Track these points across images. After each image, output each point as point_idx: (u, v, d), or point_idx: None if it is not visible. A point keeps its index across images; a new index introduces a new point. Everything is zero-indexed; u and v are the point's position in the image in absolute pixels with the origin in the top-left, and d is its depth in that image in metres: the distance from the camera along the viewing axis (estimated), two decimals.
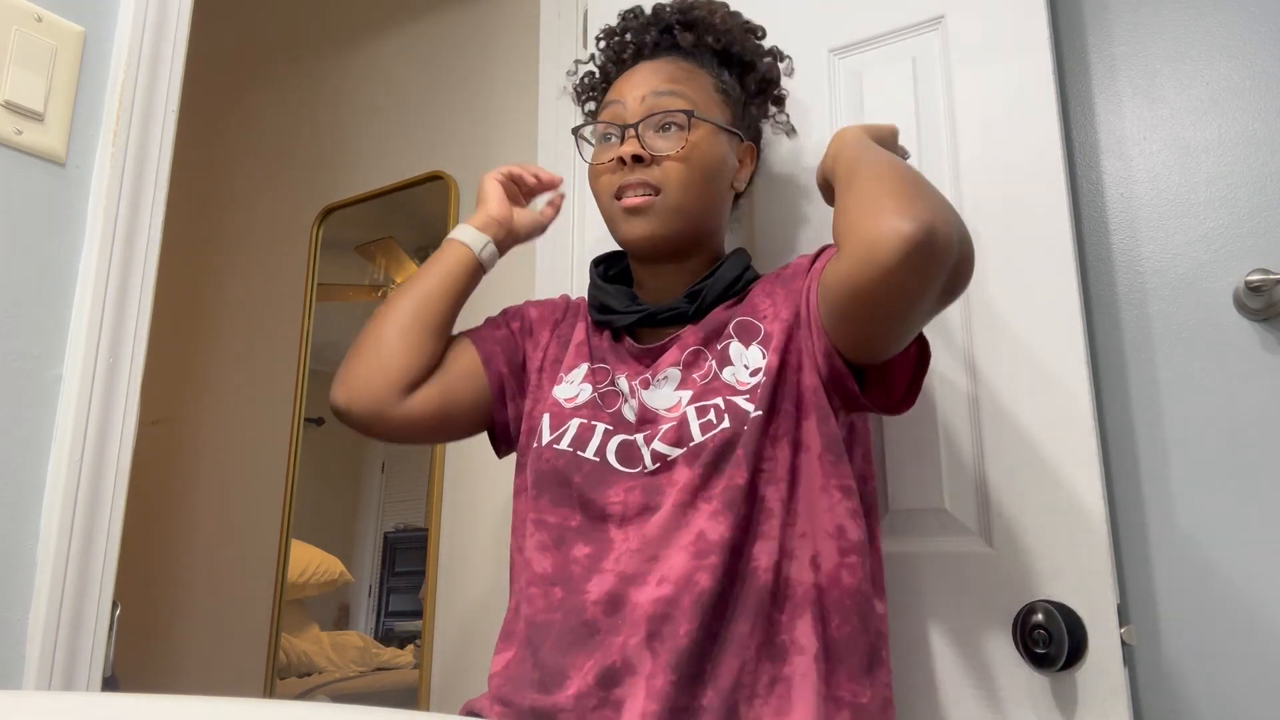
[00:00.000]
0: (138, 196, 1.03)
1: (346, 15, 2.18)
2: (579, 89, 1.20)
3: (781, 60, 1.15)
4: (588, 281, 1.10)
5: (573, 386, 1.02)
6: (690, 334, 0.99)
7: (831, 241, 0.93)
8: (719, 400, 0.92)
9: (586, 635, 0.87)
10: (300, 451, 1.95)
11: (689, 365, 0.97)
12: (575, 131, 1.09)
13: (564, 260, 1.49)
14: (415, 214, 1.95)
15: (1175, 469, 1.13)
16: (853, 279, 0.83)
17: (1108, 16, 1.27)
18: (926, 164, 1.18)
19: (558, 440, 0.97)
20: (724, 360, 0.95)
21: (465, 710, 0.97)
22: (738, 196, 1.11)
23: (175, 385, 2.16)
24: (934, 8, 1.22)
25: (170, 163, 1.08)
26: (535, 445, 0.99)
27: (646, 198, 0.99)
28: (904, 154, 1.09)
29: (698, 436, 0.90)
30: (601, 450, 0.95)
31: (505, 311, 1.13)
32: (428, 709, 1.63)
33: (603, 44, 1.16)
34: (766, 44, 1.15)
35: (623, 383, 0.99)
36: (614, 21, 1.15)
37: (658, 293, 1.05)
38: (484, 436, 1.12)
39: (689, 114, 1.00)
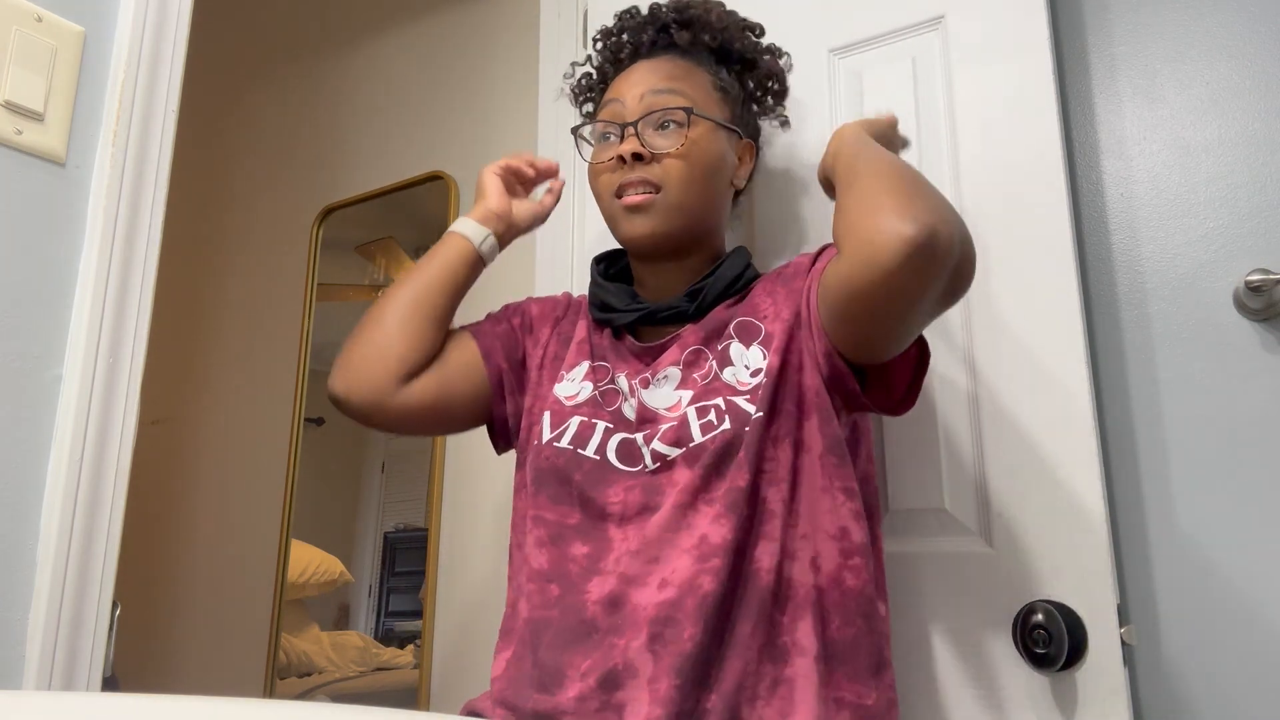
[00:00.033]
0: (138, 196, 1.03)
1: (346, 15, 2.18)
2: (576, 90, 1.20)
3: (780, 57, 1.15)
4: (588, 280, 1.10)
5: (573, 384, 1.02)
6: (691, 333, 0.99)
7: (832, 240, 0.93)
8: (719, 400, 0.92)
9: (585, 634, 0.87)
10: (300, 451, 1.95)
11: (689, 365, 0.97)
12: (575, 131, 1.09)
13: (564, 259, 1.49)
14: (415, 214, 1.95)
15: (1175, 469, 1.13)
16: (853, 281, 0.83)
17: (1108, 16, 1.27)
18: (926, 164, 1.18)
19: (558, 438, 0.97)
20: (724, 360, 0.95)
21: (466, 710, 0.97)
22: (738, 194, 1.11)
23: (175, 385, 2.16)
24: (934, 8, 1.22)
25: (170, 163, 1.08)
26: (535, 443, 0.99)
27: (647, 195, 0.99)
28: (904, 142, 1.09)
29: (698, 437, 0.90)
30: (602, 448, 0.95)
31: (506, 307, 1.13)
32: (428, 709, 1.63)
33: (599, 45, 1.16)
34: (765, 42, 1.15)
35: (622, 381, 0.99)
36: (612, 22, 1.15)
37: (658, 291, 1.04)
38: (484, 436, 1.12)
39: (688, 111, 1.00)
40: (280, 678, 1.86)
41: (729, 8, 1.13)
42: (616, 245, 1.09)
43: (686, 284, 1.02)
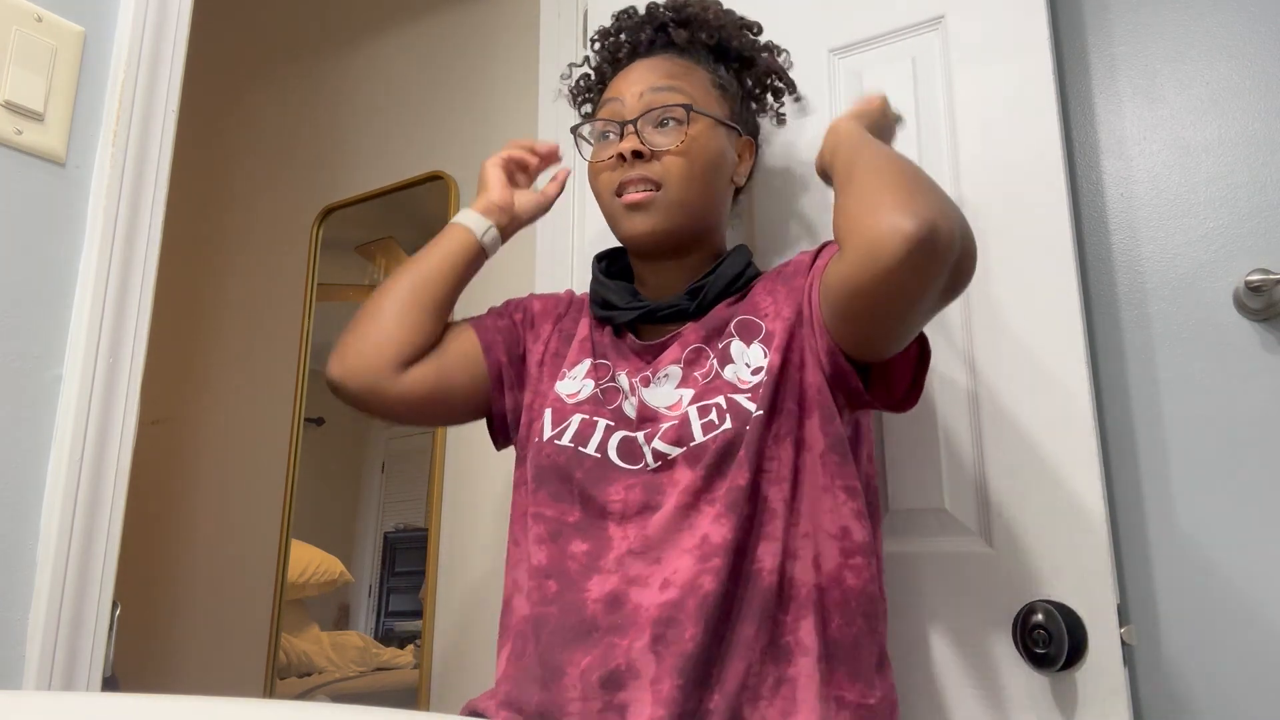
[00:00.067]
0: (138, 196, 1.04)
1: (346, 15, 2.18)
2: (575, 91, 1.20)
3: (778, 54, 1.15)
4: (589, 278, 1.10)
5: (575, 382, 1.02)
6: (691, 331, 0.99)
7: (833, 237, 0.93)
8: (720, 399, 0.92)
9: (585, 632, 0.87)
10: (300, 451, 1.95)
11: (690, 363, 0.97)
12: (574, 130, 1.09)
13: (564, 259, 1.49)
14: (415, 214, 1.95)
15: (1175, 469, 1.13)
16: (854, 278, 0.83)
17: (1108, 16, 1.27)
18: (926, 164, 1.18)
19: (559, 436, 0.97)
20: (725, 358, 0.95)
21: (467, 710, 0.97)
22: (738, 192, 1.11)
23: (175, 385, 2.16)
24: (934, 8, 1.22)
25: (170, 163, 1.08)
26: (536, 440, 0.99)
27: (647, 193, 0.99)
28: (898, 118, 1.08)
29: (699, 437, 0.90)
30: (603, 446, 0.95)
31: (508, 303, 1.13)
32: (428, 709, 1.63)
33: (597, 45, 1.16)
34: (762, 40, 1.15)
35: (623, 379, 0.99)
36: (610, 23, 1.15)
37: (659, 290, 1.04)
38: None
39: (687, 108, 1.00)
40: (280, 678, 1.86)
41: (727, 7, 1.13)
42: (616, 244, 1.09)
43: (687, 282, 1.02)
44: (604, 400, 0.99)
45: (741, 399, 0.91)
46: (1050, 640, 0.99)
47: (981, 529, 1.09)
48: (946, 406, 1.13)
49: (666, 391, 0.96)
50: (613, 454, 0.94)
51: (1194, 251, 1.17)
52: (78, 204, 1.00)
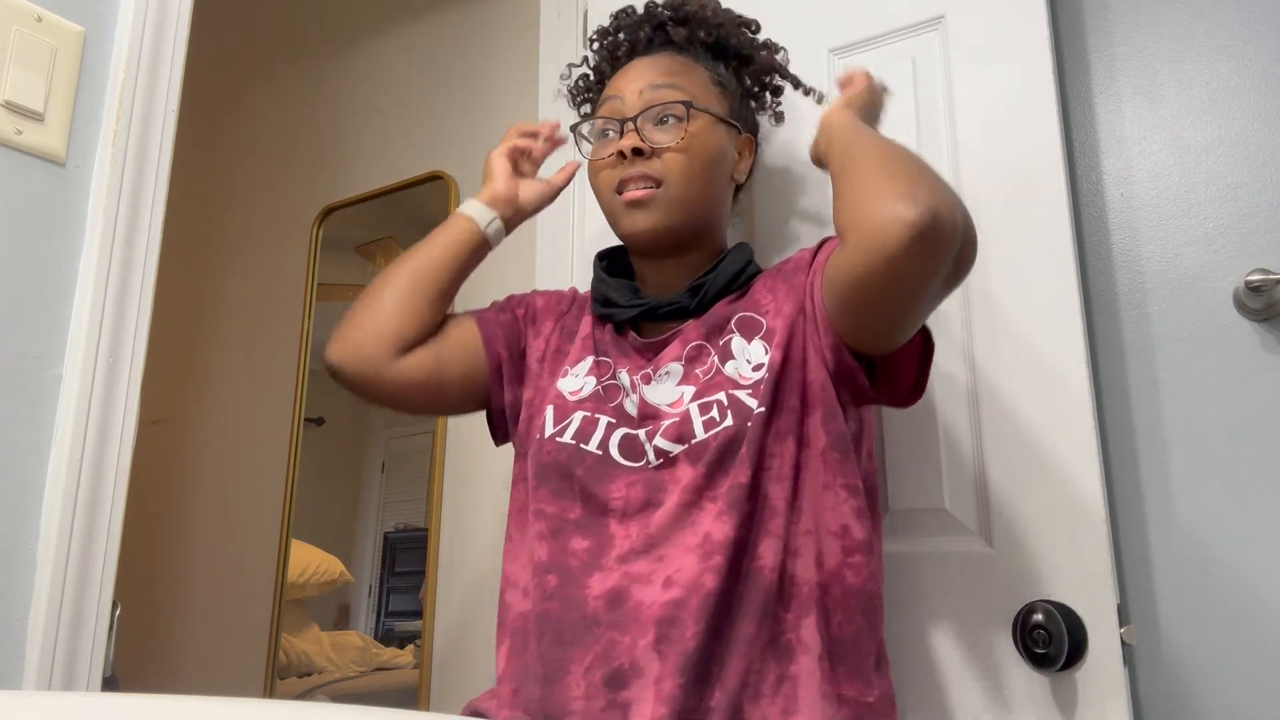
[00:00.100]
0: (138, 196, 1.03)
1: (346, 15, 2.18)
2: (574, 90, 1.20)
3: (776, 52, 1.15)
4: (590, 277, 1.10)
5: (577, 380, 1.02)
6: (692, 328, 0.99)
7: (832, 235, 0.93)
8: (722, 395, 0.92)
9: (585, 629, 0.87)
10: (300, 451, 1.95)
11: (691, 360, 0.97)
12: (574, 128, 1.09)
13: (564, 259, 1.49)
14: (415, 214, 1.95)
15: (1175, 469, 1.13)
16: (857, 269, 0.82)
17: (1108, 16, 1.27)
18: None
19: (561, 433, 0.97)
20: (726, 355, 0.95)
21: (468, 710, 0.97)
22: (738, 190, 1.11)
23: (175, 385, 2.16)
24: (934, 8, 1.22)
25: (170, 163, 1.08)
26: (538, 437, 0.99)
27: (648, 190, 0.98)
28: (884, 89, 1.08)
29: (700, 434, 0.90)
30: (604, 444, 0.95)
31: (511, 298, 1.13)
32: (428, 709, 1.63)
33: (596, 45, 1.16)
34: (761, 38, 1.15)
35: (624, 377, 0.99)
36: (608, 23, 1.15)
37: (660, 288, 1.04)
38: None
39: (687, 105, 1.00)
40: (280, 678, 1.86)
41: (725, 6, 1.13)
42: (617, 243, 1.09)
43: (688, 280, 1.02)
44: (605, 398, 0.99)
45: (743, 395, 0.91)
46: (1050, 640, 0.99)
47: (981, 529, 1.09)
48: (947, 406, 1.13)
49: (668, 389, 0.96)
50: (614, 451, 0.94)
51: (1194, 251, 1.17)
52: (78, 204, 1.00)
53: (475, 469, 1.70)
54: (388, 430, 1.95)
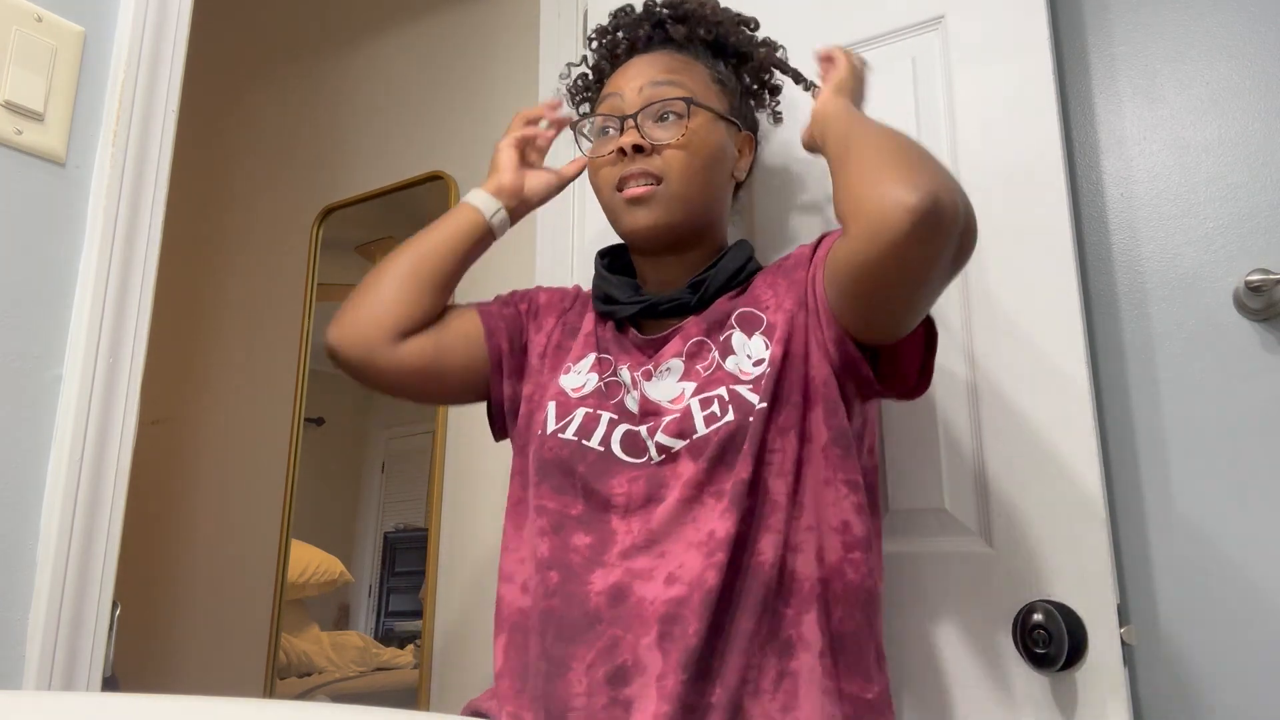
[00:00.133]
0: (138, 196, 1.04)
1: (346, 15, 2.18)
2: (573, 89, 1.20)
3: (776, 50, 1.15)
4: (590, 277, 1.10)
5: (580, 376, 1.02)
6: (693, 325, 0.99)
7: (831, 230, 0.92)
8: (722, 390, 0.92)
9: (587, 625, 0.87)
10: (300, 451, 1.95)
11: (692, 356, 0.97)
12: (574, 126, 1.09)
13: (564, 258, 1.49)
14: (415, 214, 1.95)
15: (1175, 469, 1.13)
16: (861, 256, 0.82)
17: (1108, 16, 1.27)
18: None
19: (563, 429, 0.97)
20: (727, 350, 0.95)
21: (468, 710, 0.97)
22: (738, 188, 1.11)
23: (175, 385, 2.16)
24: (934, 8, 1.22)
25: (170, 163, 1.08)
26: (539, 433, 0.99)
27: (649, 187, 0.98)
28: (862, 62, 1.08)
29: (701, 429, 0.90)
30: (606, 440, 0.95)
31: (514, 293, 1.14)
32: (428, 709, 1.63)
33: (594, 44, 1.16)
34: (759, 36, 1.15)
35: (625, 374, 0.99)
36: (608, 21, 1.15)
37: (660, 286, 1.05)
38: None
39: (688, 101, 1.00)
40: (280, 678, 1.86)
41: (725, 5, 1.13)
42: (618, 241, 1.09)
43: (688, 278, 1.02)
44: (607, 394, 0.99)
45: (744, 390, 0.91)
46: (1050, 640, 0.99)
47: (981, 529, 1.09)
48: (947, 406, 1.13)
49: (668, 385, 0.96)
50: (616, 448, 0.94)
51: (1194, 251, 1.17)
52: (78, 204, 1.00)
53: (475, 469, 1.70)
54: (388, 430, 1.95)
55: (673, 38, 1.08)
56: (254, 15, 2.35)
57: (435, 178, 1.88)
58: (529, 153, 1.13)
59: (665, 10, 1.10)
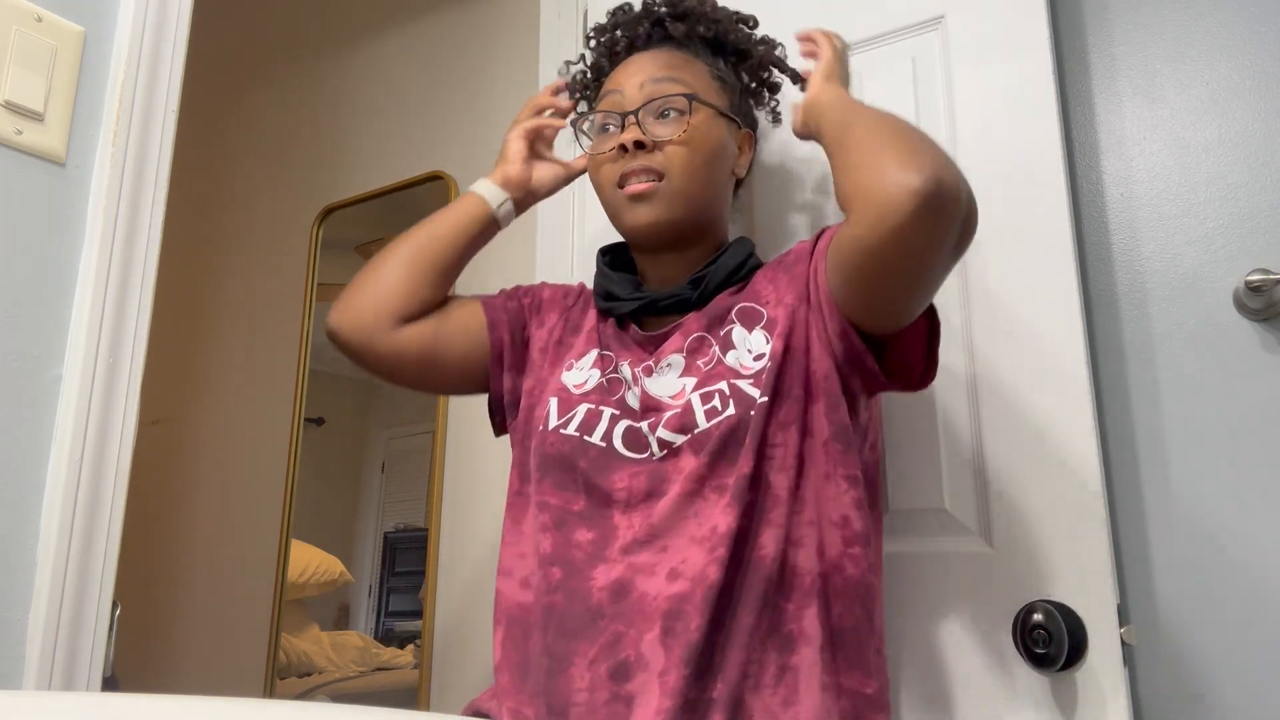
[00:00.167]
0: (138, 196, 1.04)
1: (346, 15, 2.18)
2: (573, 87, 1.20)
3: (775, 48, 1.15)
4: (590, 276, 1.10)
5: (582, 373, 1.02)
6: (693, 320, 0.99)
7: (829, 226, 0.92)
8: (723, 385, 0.92)
9: (590, 621, 0.87)
10: (300, 451, 1.95)
11: (692, 352, 0.97)
12: (574, 123, 1.09)
13: (564, 257, 1.49)
14: (415, 214, 1.92)
15: (1175, 469, 1.13)
16: (865, 241, 0.82)
17: (1108, 16, 1.27)
18: None
19: (565, 425, 0.97)
20: (727, 345, 0.95)
21: (469, 710, 0.97)
22: (738, 185, 1.11)
23: (175, 385, 2.17)
24: (934, 8, 1.22)
25: (170, 163, 1.08)
26: (540, 428, 0.99)
27: (651, 183, 0.98)
28: (844, 44, 1.08)
29: (702, 424, 0.90)
30: (608, 435, 0.95)
31: (518, 288, 1.14)
32: (428, 709, 1.63)
33: (593, 42, 1.16)
34: (758, 34, 1.15)
35: (625, 370, 0.99)
36: (606, 20, 1.15)
37: (661, 283, 1.05)
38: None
39: (690, 97, 1.00)
40: (280, 678, 1.86)
41: (724, 4, 1.13)
42: (620, 239, 1.09)
43: (688, 275, 1.02)
44: (609, 390, 0.99)
45: (744, 385, 0.91)
46: (1050, 640, 0.99)
47: (981, 529, 1.09)
48: (947, 406, 1.13)
49: (669, 381, 0.96)
50: (618, 443, 0.94)
51: (1194, 251, 1.17)
52: (78, 204, 1.00)
53: (475, 469, 1.70)
54: (388, 430, 1.95)
55: (672, 35, 1.08)
56: (254, 15, 2.35)
57: (435, 178, 1.88)
58: (538, 144, 1.13)
59: (664, 8, 1.10)
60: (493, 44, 1.87)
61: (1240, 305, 1.12)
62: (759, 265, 1.04)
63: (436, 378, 1.09)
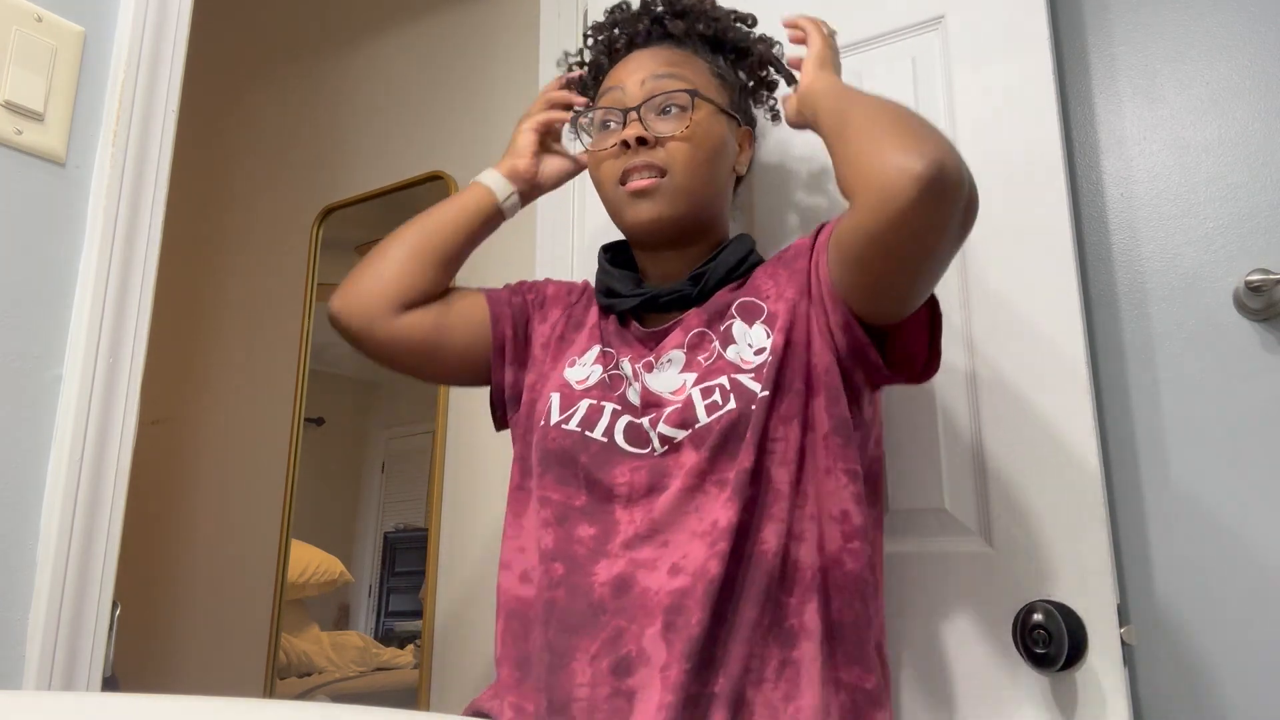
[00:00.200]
0: (138, 196, 1.04)
1: (346, 15, 2.18)
2: (571, 85, 1.20)
3: (773, 46, 1.15)
4: (590, 274, 1.10)
5: (584, 369, 1.02)
6: (694, 316, 0.99)
7: (828, 221, 0.92)
8: (724, 379, 0.92)
9: (592, 616, 0.87)
10: (300, 451, 1.95)
11: (693, 347, 0.97)
12: (574, 121, 1.09)
13: (564, 257, 1.49)
14: (415, 214, 1.95)
15: (1175, 469, 1.13)
16: (868, 227, 0.82)
17: (1108, 16, 1.27)
18: None
19: (566, 420, 0.97)
20: (727, 339, 0.95)
21: (470, 710, 0.97)
22: (738, 182, 1.11)
23: (175, 385, 2.17)
24: (934, 8, 1.22)
25: (170, 163, 1.08)
26: (542, 424, 0.99)
27: (652, 180, 0.98)
28: (832, 33, 1.09)
29: (703, 418, 0.90)
30: (610, 431, 0.95)
31: (523, 283, 1.14)
32: (428, 709, 1.63)
33: (591, 40, 1.16)
34: (757, 32, 1.15)
35: (626, 366, 0.99)
36: (604, 18, 1.15)
37: (661, 280, 1.05)
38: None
39: (691, 93, 1.00)
40: (280, 678, 1.86)
41: (724, 4, 1.13)
42: (618, 238, 1.09)
43: (689, 272, 1.02)
44: (610, 386, 0.99)
45: (745, 379, 0.91)
46: (1050, 640, 0.99)
47: (981, 529, 1.09)
48: (947, 406, 1.13)
49: (670, 376, 0.96)
50: (619, 439, 0.94)
51: (1194, 251, 1.17)
52: (78, 204, 1.00)
53: (475, 469, 1.70)
54: (388, 430, 1.95)
55: (671, 33, 1.08)
56: (254, 15, 2.35)
57: (435, 178, 1.88)
58: (548, 138, 1.14)
59: (663, 6, 1.10)
60: (493, 44, 1.87)
61: (1240, 305, 1.12)
62: (759, 262, 1.04)
63: (435, 367, 1.09)
